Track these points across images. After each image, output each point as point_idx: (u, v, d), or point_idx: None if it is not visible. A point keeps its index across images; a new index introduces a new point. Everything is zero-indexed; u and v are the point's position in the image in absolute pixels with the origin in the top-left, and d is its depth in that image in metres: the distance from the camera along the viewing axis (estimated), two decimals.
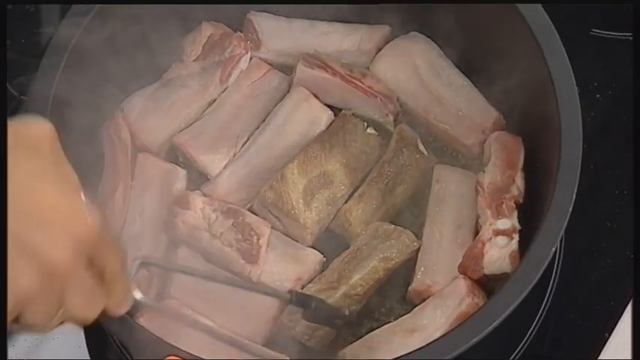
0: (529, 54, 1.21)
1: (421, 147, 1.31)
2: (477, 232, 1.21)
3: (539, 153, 1.23)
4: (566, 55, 1.18)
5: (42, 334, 0.88)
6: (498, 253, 1.16)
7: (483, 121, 1.32)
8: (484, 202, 1.20)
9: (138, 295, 0.97)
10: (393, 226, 1.23)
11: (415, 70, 1.36)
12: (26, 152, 0.80)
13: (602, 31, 1.47)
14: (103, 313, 0.89)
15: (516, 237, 1.16)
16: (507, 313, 1.02)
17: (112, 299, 0.90)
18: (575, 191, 1.09)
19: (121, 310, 0.93)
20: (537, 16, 1.22)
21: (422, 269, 1.21)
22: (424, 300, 1.18)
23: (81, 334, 1.26)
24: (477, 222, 1.22)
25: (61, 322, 0.86)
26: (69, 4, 1.27)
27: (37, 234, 0.78)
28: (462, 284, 1.16)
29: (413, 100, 1.36)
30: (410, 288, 1.21)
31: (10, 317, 0.80)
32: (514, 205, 1.19)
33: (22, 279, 0.78)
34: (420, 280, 1.20)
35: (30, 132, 0.82)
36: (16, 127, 0.81)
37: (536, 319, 1.26)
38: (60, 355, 1.26)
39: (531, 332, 1.25)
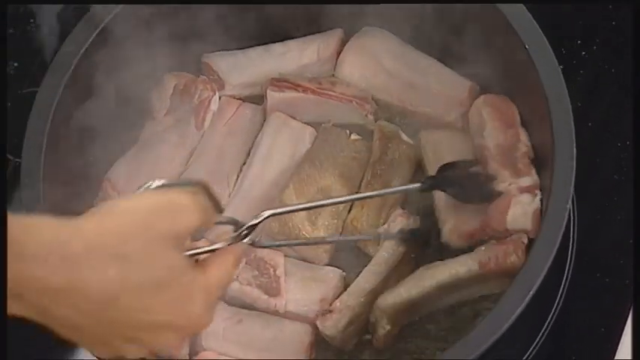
0: (498, 26, 1.21)
1: (404, 137, 1.32)
2: None
3: (528, 115, 1.23)
4: (539, 29, 1.18)
5: None
6: (522, 209, 1.16)
7: (459, 94, 1.32)
8: (497, 164, 1.19)
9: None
10: None
11: (379, 63, 1.36)
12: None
13: None
14: None
15: (539, 194, 1.16)
16: (544, 272, 1.03)
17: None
18: (575, 152, 1.10)
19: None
20: None
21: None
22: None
23: None
24: None
25: None
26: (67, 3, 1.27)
27: None
28: None
29: (386, 94, 1.36)
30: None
31: None
32: (529, 161, 1.19)
33: None
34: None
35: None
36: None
37: (562, 284, 1.25)
38: None
39: (558, 302, 1.25)
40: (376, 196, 1.23)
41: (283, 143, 1.32)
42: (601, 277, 1.27)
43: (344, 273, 1.24)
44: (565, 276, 1.25)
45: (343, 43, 1.39)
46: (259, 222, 0.99)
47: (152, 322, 0.82)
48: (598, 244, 1.29)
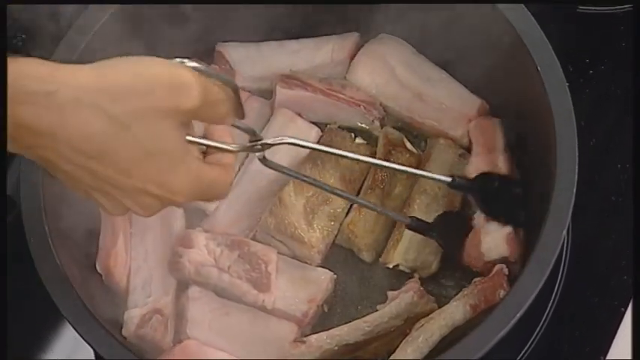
0: (508, 41, 1.21)
1: (408, 145, 1.32)
2: None
3: (532, 135, 1.23)
4: (548, 44, 1.18)
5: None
6: (493, 238, 1.17)
7: (468, 110, 1.32)
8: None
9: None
10: None
11: (391, 71, 1.36)
12: None
13: (590, 7, 1.46)
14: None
15: None
16: (531, 299, 1.03)
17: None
18: (577, 171, 1.09)
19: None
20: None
21: None
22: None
23: None
24: None
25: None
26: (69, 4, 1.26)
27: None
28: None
29: (394, 102, 1.36)
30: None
31: None
32: None
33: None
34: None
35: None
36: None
37: (551, 301, 1.26)
38: None
39: (547, 315, 1.25)
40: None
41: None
42: (591, 296, 1.27)
43: (335, 275, 1.23)
44: (554, 294, 1.25)
45: (358, 47, 1.39)
46: (276, 144, 1.01)
47: (132, 185, 0.83)
48: (590, 264, 1.29)
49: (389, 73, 1.36)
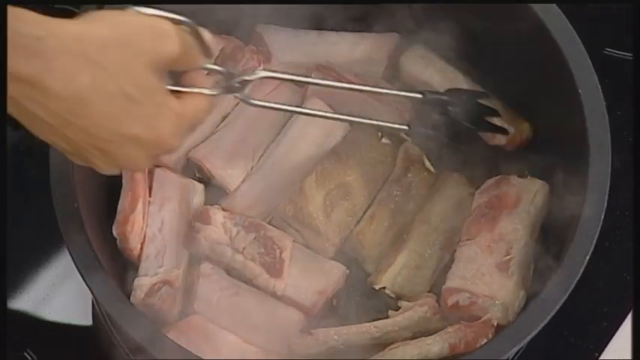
0: (552, 60, 1.21)
1: (427, 164, 1.32)
2: None
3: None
4: (593, 70, 1.18)
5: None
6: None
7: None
8: None
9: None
10: None
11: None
12: None
13: (615, 51, 1.47)
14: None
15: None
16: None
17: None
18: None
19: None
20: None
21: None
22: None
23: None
24: None
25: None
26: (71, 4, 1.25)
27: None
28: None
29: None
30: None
31: None
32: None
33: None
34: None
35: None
36: None
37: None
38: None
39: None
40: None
41: (315, 131, 1.32)
42: (567, 337, 1.28)
43: (347, 270, 1.24)
44: None
45: (397, 48, 1.39)
46: (253, 79, 1.03)
47: (120, 133, 0.86)
48: (574, 307, 1.29)
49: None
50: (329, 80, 1.32)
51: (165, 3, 0.92)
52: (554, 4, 1.23)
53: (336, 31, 1.40)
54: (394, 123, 1.25)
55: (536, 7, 1.22)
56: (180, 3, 1.13)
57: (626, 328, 1.23)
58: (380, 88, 1.26)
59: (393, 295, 1.23)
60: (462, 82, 1.33)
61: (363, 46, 1.38)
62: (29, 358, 1.30)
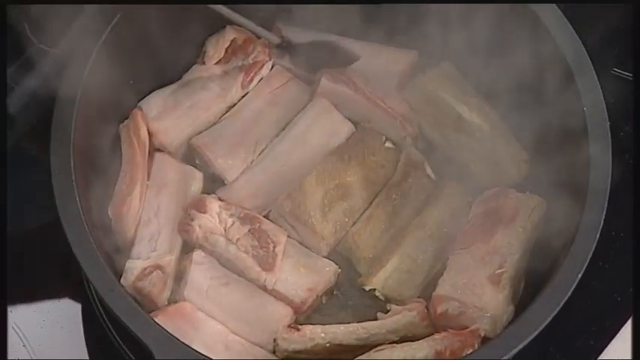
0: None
1: (428, 170, 1.32)
2: None
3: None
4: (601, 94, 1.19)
5: None
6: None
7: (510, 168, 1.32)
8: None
9: None
10: None
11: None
12: None
13: (623, 72, 1.46)
14: None
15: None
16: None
17: None
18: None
19: None
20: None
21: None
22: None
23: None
24: None
25: None
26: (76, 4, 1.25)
27: None
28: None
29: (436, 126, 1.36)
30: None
31: None
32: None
33: None
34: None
35: None
36: None
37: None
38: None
39: None
40: None
41: (320, 130, 1.32)
42: (553, 353, 1.28)
43: (339, 269, 1.24)
44: None
45: (413, 65, 1.38)
46: None
47: None
48: (562, 323, 1.29)
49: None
50: (338, 85, 1.32)
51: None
52: (554, 4, 1.24)
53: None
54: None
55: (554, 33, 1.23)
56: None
57: (626, 328, 1.22)
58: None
59: (382, 298, 1.23)
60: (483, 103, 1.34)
61: (380, 58, 1.38)
62: None
